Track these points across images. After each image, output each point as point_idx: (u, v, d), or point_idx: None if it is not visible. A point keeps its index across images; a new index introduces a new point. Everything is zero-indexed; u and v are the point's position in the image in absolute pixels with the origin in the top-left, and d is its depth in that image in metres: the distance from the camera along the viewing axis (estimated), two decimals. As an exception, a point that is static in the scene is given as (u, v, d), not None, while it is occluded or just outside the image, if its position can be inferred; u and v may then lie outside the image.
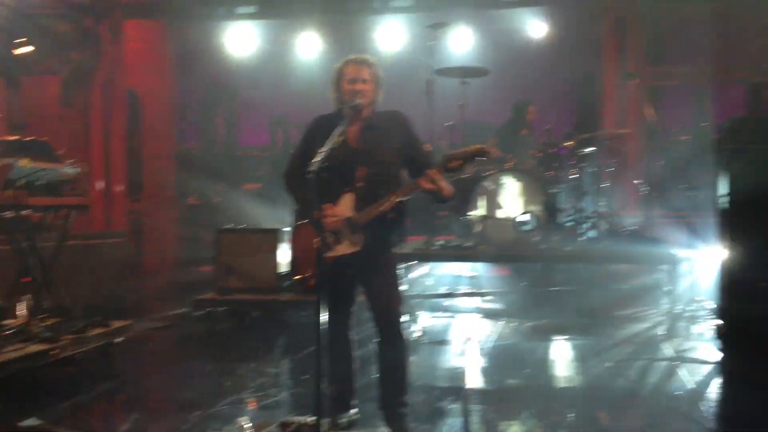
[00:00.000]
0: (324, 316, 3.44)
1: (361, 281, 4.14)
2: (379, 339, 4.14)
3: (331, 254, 3.96)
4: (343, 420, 4.15)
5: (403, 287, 4.48)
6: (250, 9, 10.89)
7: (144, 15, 11.07)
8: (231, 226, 8.27)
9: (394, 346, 4.11)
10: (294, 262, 4.21)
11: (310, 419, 3.62)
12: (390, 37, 10.70)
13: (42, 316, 5.71)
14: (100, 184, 10.15)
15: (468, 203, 7.77)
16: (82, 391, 5.17)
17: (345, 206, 3.96)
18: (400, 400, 4.13)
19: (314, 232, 3.74)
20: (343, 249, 3.97)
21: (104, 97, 10.50)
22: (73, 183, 5.86)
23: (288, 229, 7.70)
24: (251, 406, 4.84)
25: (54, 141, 6.03)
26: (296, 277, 4.12)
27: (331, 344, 4.12)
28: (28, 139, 5.79)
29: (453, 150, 3.97)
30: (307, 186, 3.52)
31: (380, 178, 3.98)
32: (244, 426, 3.58)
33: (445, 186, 3.89)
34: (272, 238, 7.63)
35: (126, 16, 10.75)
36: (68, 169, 5.79)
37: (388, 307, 4.07)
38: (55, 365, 5.36)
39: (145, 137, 11.38)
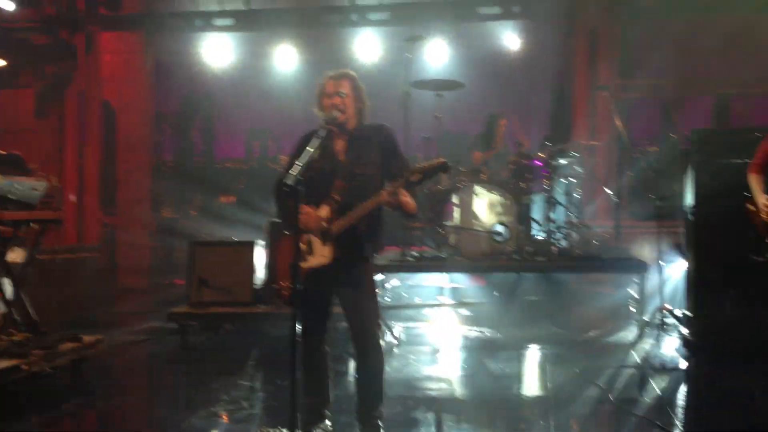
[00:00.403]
0: (298, 328, 3.46)
1: (336, 293, 4.16)
2: (355, 351, 4.16)
3: (305, 265, 3.99)
4: (317, 431, 4.17)
5: (378, 299, 4.49)
6: (228, 21, 10.92)
7: (120, 27, 11.07)
8: (206, 238, 8.26)
9: (369, 357, 4.13)
10: (273, 274, 4.22)
11: (284, 431, 3.63)
12: (367, 49, 10.74)
13: (12, 330, 5.66)
14: (73, 198, 10.10)
15: (442, 215, 7.85)
16: (53, 407, 5.13)
17: (317, 216, 4.00)
18: (376, 412, 4.16)
19: (292, 244, 3.76)
20: (316, 260, 4.00)
21: (79, 109, 10.47)
22: (46, 197, 5.83)
23: (262, 242, 7.78)
24: (225, 419, 4.84)
25: (27, 155, 6.00)
26: (273, 286, 4.15)
27: (305, 356, 4.15)
28: (0, 152, 5.76)
29: (416, 164, 4.00)
30: (286, 198, 3.54)
31: (358, 192, 3.99)
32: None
33: (407, 201, 3.92)
34: (247, 250, 7.62)
35: (102, 28, 10.74)
36: (41, 183, 5.76)
37: (364, 320, 4.09)
38: (26, 380, 5.32)
39: (120, 149, 11.34)
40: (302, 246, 3.99)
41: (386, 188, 3.88)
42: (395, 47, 10.14)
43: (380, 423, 4.15)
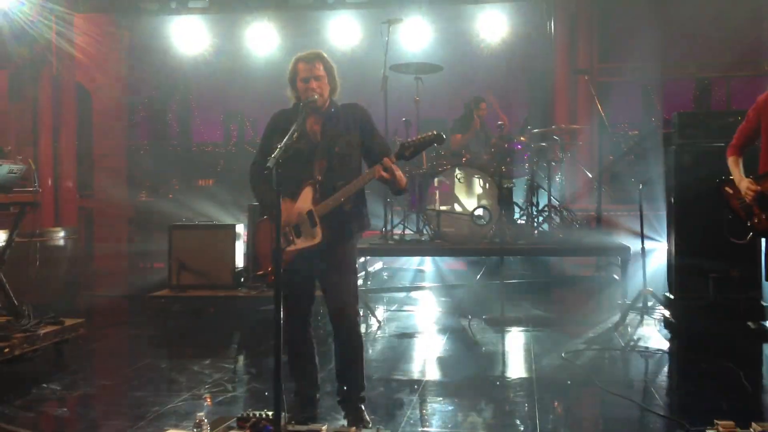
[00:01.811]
0: (282, 311, 3.43)
1: (318, 275, 4.15)
2: (334, 332, 4.16)
3: (291, 248, 3.96)
4: (304, 414, 4.15)
5: (359, 282, 4.48)
6: (203, 3, 10.79)
7: (94, 9, 10.88)
8: (184, 222, 8.19)
9: (349, 340, 4.13)
10: (256, 258, 4.20)
11: (269, 413, 3.61)
12: (344, 32, 10.67)
13: (-8, 314, 5.60)
14: (49, 181, 9.95)
15: (424, 198, 7.84)
16: (35, 390, 5.07)
17: (304, 199, 3.97)
18: (357, 394, 4.16)
19: (274, 228, 3.73)
20: (303, 243, 3.97)
21: (53, 92, 10.31)
22: (22, 179, 5.74)
23: (241, 225, 7.73)
24: (208, 401, 4.81)
25: (1, 137, 5.90)
26: (258, 273, 4.12)
27: (291, 339, 4.14)
28: (-26, 135, 5.67)
29: (409, 138, 3.98)
30: (265, 182, 3.52)
31: (339, 170, 4.00)
32: (202, 421, 3.55)
33: (401, 175, 3.92)
34: (226, 233, 7.58)
35: (76, 10, 10.55)
36: (16, 166, 5.67)
37: (344, 300, 4.07)
38: (7, 363, 5.26)
39: (95, 132, 11.20)
40: (287, 230, 3.96)
41: (381, 163, 3.85)
42: (373, 30, 10.09)
43: (362, 406, 4.15)
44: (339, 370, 4.20)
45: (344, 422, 4.10)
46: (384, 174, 3.84)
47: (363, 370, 4.22)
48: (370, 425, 4.04)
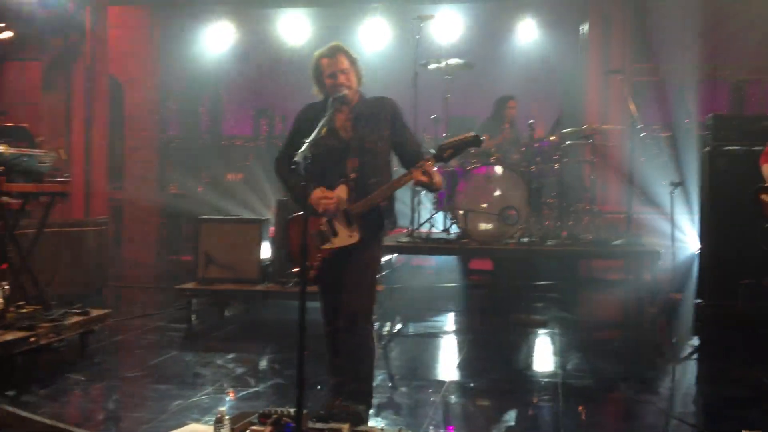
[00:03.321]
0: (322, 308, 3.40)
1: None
2: (344, 328, 4.02)
3: (328, 246, 3.93)
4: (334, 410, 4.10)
5: (379, 280, 4.43)
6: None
7: (128, 1, 10.98)
8: (213, 215, 8.22)
9: (355, 340, 4.01)
10: (290, 255, 4.19)
11: (291, 410, 3.59)
12: (377, 27, 10.65)
13: (19, 303, 5.65)
14: (80, 172, 10.05)
15: (451, 196, 7.78)
16: (60, 380, 5.12)
17: (339, 198, 3.93)
18: (362, 396, 4.05)
19: (309, 224, 3.70)
20: (340, 241, 3.93)
21: (86, 83, 10.38)
22: (53, 170, 5.79)
23: (269, 219, 7.74)
24: (231, 396, 4.82)
25: (34, 127, 5.96)
26: (295, 270, 4.10)
27: (330, 338, 4.11)
28: (7, 124, 5.72)
29: (447, 139, 3.94)
30: (297, 177, 3.49)
31: (372, 167, 3.95)
32: (224, 416, 3.54)
33: (439, 179, 3.86)
34: (254, 228, 7.59)
35: (109, 2, 10.64)
36: (48, 156, 5.72)
37: (362, 297, 4.00)
38: (33, 353, 5.31)
39: (126, 124, 11.29)
40: (323, 227, 3.93)
41: (418, 166, 3.80)
42: (405, 26, 10.06)
43: (365, 407, 4.04)
44: (347, 368, 4.07)
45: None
46: (423, 178, 3.78)
47: (372, 369, 4.10)
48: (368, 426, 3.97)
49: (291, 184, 4.05)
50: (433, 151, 3.93)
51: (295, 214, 4.15)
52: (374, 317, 4.14)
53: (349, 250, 3.94)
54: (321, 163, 3.78)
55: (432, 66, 8.28)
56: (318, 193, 3.85)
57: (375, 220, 3.97)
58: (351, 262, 3.99)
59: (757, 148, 5.38)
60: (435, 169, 3.81)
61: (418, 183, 3.82)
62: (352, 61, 4.04)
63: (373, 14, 10.54)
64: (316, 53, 4.07)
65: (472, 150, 8.09)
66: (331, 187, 3.92)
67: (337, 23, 10.88)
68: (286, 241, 4.22)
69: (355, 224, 3.90)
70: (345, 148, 3.97)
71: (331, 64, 3.98)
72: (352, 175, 3.92)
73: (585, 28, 10.16)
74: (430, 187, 3.86)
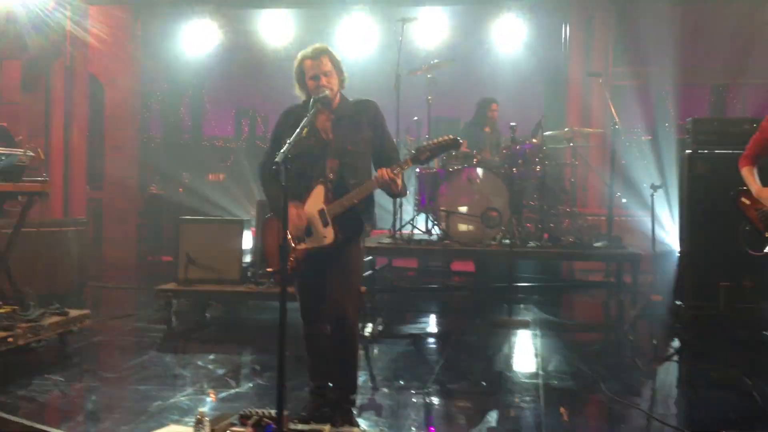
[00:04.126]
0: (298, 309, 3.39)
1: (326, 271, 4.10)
2: (332, 333, 4.05)
3: (301, 246, 3.92)
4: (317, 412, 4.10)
5: (362, 281, 4.43)
6: (216, -2, 10.78)
7: (109, 1, 10.89)
8: (193, 216, 8.17)
9: (344, 341, 4.04)
10: (264, 255, 4.17)
11: (271, 411, 3.57)
12: (358, 30, 10.64)
13: (-3, 303, 5.60)
14: (59, 171, 9.96)
15: (433, 198, 7.80)
16: (37, 380, 5.06)
17: (316, 198, 3.92)
18: (349, 395, 4.09)
19: (283, 225, 3.69)
20: (314, 242, 3.93)
21: (66, 83, 10.30)
22: (32, 169, 5.73)
23: (250, 220, 7.71)
24: (211, 397, 4.79)
25: (13, 127, 5.90)
26: (268, 269, 4.09)
27: (309, 339, 4.10)
28: (-15, 124, 5.67)
29: (425, 141, 3.95)
30: (275, 180, 3.48)
31: (351, 169, 3.95)
32: (204, 417, 3.52)
33: (400, 185, 3.87)
34: (235, 229, 7.55)
35: (90, 1, 10.56)
36: (27, 155, 5.66)
37: (344, 303, 3.99)
38: (11, 353, 5.25)
39: (107, 124, 11.21)
40: (299, 227, 3.91)
41: (392, 168, 3.81)
42: (387, 29, 10.08)
43: (351, 408, 4.08)
44: (332, 371, 4.12)
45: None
46: (386, 176, 3.79)
47: (356, 371, 4.17)
48: (359, 427, 3.98)
49: (269, 191, 4.06)
50: (413, 152, 3.94)
51: (269, 216, 4.15)
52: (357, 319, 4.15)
53: (329, 253, 3.93)
54: (300, 164, 3.78)
55: (417, 73, 8.28)
56: (291, 210, 3.83)
57: (353, 222, 3.96)
58: (333, 266, 3.99)
59: (735, 151, 5.42)
60: (417, 169, 3.84)
61: (381, 183, 3.82)
62: (335, 64, 4.03)
63: (357, 11, 10.51)
64: (300, 54, 4.06)
65: (454, 152, 8.12)
66: (309, 187, 3.92)
67: (320, 25, 10.86)
68: (261, 241, 4.22)
69: (330, 225, 3.89)
70: (325, 149, 3.97)
71: (313, 66, 3.98)
72: (330, 176, 3.91)
73: (567, 31, 10.22)
74: (390, 190, 3.88)
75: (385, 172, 3.80)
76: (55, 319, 5.65)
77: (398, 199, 7.81)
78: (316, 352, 4.13)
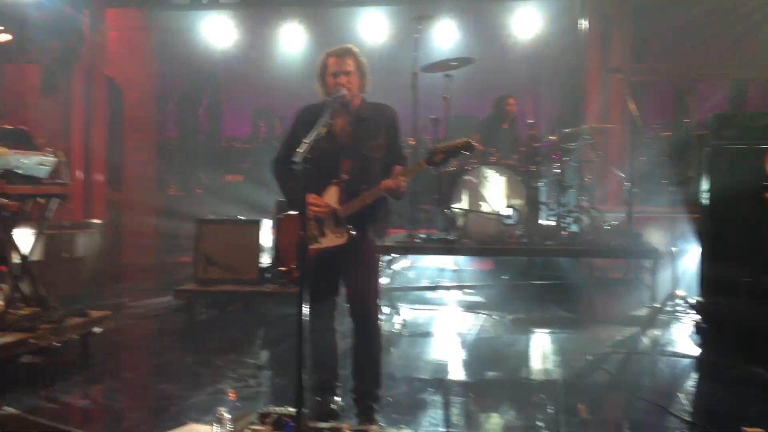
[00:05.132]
0: (306, 308, 3.39)
1: (341, 273, 4.11)
2: (354, 329, 4.10)
3: (315, 246, 3.93)
4: (326, 409, 4.12)
5: (382, 279, 4.45)
6: (233, -1, 10.81)
7: (125, 3, 10.96)
8: (212, 216, 8.21)
9: (368, 337, 4.08)
10: (278, 254, 4.19)
11: (290, 410, 3.58)
12: (374, 28, 10.63)
13: (19, 305, 5.63)
14: (79, 174, 10.04)
15: (451, 196, 7.77)
16: (60, 381, 5.11)
17: (329, 198, 3.94)
18: (373, 393, 4.11)
19: (298, 224, 3.70)
20: (328, 241, 3.95)
21: (85, 86, 10.37)
22: (53, 172, 5.78)
23: (269, 220, 7.73)
24: (231, 396, 4.81)
25: (33, 130, 5.95)
26: (281, 269, 4.11)
27: (314, 336, 4.11)
28: (6, 127, 5.71)
29: (438, 143, 3.95)
30: (293, 177, 3.49)
31: (366, 172, 3.97)
32: (224, 416, 3.54)
33: (403, 189, 3.90)
34: (253, 229, 7.58)
35: (107, 4, 10.63)
36: (47, 158, 5.71)
37: (364, 299, 4.03)
38: (33, 354, 5.30)
39: (125, 126, 11.28)
40: (312, 226, 3.93)
41: (403, 170, 3.82)
42: (403, 27, 10.06)
43: (375, 406, 4.10)
44: (356, 368, 4.15)
45: (356, 421, 4.04)
46: (391, 183, 3.85)
47: (380, 369, 4.18)
48: (380, 424, 3.99)
49: (286, 187, 4.07)
50: (426, 153, 3.94)
51: (283, 214, 4.16)
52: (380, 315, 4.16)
53: (345, 252, 3.94)
54: (316, 164, 3.79)
55: (436, 72, 8.25)
56: (309, 199, 3.85)
57: (365, 222, 3.98)
58: (351, 265, 4.00)
59: (756, 146, 5.36)
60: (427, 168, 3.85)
61: (386, 190, 3.85)
62: (359, 65, 4.05)
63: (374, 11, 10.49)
64: (328, 50, 4.07)
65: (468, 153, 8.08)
66: (323, 188, 3.92)
67: (335, 25, 10.86)
68: (275, 240, 4.24)
69: (343, 226, 3.90)
70: (341, 150, 3.98)
71: (336, 64, 4.00)
72: (344, 177, 3.92)
73: (585, 26, 10.14)
74: (394, 193, 3.89)
75: (391, 183, 3.84)
76: (76, 320, 5.69)
77: (416, 198, 7.81)
78: (323, 349, 4.17)
